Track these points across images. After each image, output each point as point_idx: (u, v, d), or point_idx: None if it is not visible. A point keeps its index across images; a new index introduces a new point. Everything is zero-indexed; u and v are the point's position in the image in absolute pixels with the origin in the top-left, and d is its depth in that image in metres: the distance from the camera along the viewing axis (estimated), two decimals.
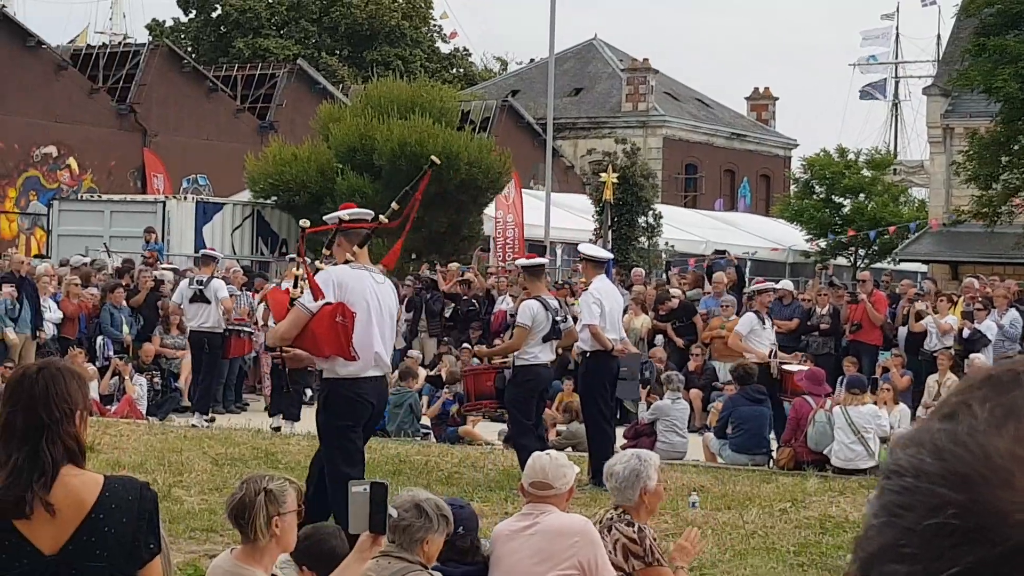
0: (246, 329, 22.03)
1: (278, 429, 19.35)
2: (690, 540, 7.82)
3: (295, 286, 10.33)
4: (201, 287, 20.53)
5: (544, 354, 14.56)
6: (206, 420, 20.24)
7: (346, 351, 9.69)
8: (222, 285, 20.90)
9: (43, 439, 4.48)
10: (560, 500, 7.59)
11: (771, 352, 18.73)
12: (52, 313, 23.12)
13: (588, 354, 15.14)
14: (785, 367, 18.12)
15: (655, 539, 7.76)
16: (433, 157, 12.02)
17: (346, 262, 10.06)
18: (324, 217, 10.77)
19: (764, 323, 19.10)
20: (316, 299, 9.71)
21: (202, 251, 23.84)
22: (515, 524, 7.63)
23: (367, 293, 9.88)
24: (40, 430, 4.48)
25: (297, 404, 19.98)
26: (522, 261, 15.95)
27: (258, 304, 22.53)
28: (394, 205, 11.09)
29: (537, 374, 14.61)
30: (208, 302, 20.47)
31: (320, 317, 9.65)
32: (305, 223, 10.98)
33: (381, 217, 10.66)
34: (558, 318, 14.47)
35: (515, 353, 14.67)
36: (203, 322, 20.61)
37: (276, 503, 5.95)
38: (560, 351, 16.42)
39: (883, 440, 16.28)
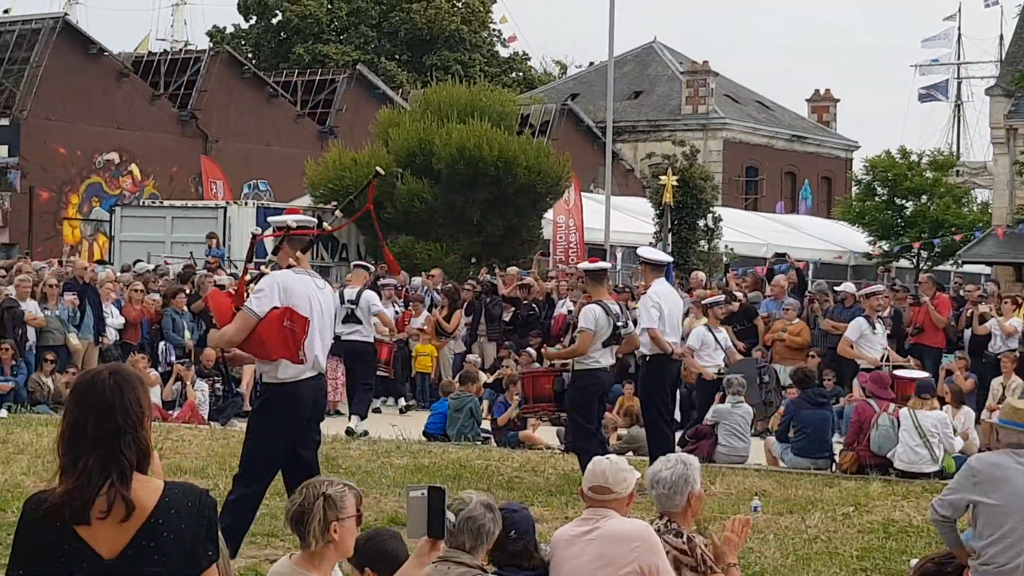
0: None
1: (355, 432, 19.37)
2: (736, 531, 7.71)
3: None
4: (353, 306, 20.17)
5: (604, 358, 14.59)
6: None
7: (295, 355, 9.82)
8: (375, 296, 20.58)
9: (119, 443, 4.48)
10: (620, 505, 7.52)
11: (883, 357, 18.56)
12: (114, 319, 23.25)
13: (648, 358, 15.09)
14: (898, 372, 17.91)
15: (705, 544, 7.68)
16: (377, 168, 12.21)
17: (289, 266, 10.18)
18: (270, 219, 10.91)
19: (875, 328, 18.92)
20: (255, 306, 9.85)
21: (355, 262, 23.80)
22: (575, 529, 7.57)
23: (310, 297, 10.03)
24: (114, 434, 4.48)
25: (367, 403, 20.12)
26: (584, 265, 15.94)
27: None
28: (338, 213, 11.62)
29: (597, 378, 14.64)
30: (357, 316, 20.23)
31: (268, 322, 9.77)
32: (256, 230, 11.35)
33: (325, 225, 10.97)
34: (619, 323, 14.51)
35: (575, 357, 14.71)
36: (351, 333, 20.21)
37: (335, 508, 5.93)
38: (620, 356, 16.36)
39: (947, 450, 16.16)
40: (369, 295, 20.33)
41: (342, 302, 20.34)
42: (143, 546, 4.47)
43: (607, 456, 7.95)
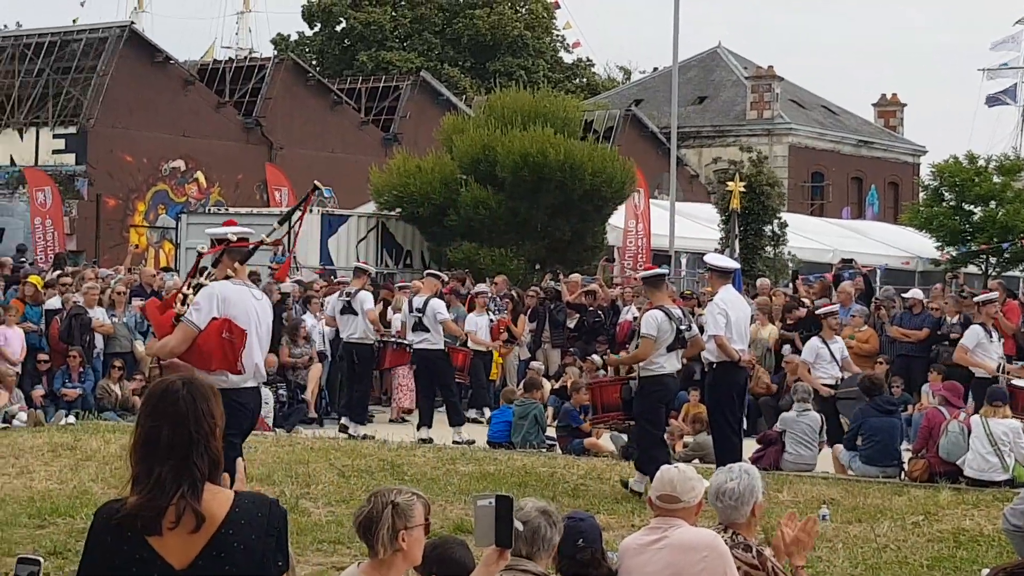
0: (402, 341, 21.86)
1: (427, 440, 19.36)
2: (807, 530, 7.60)
3: (183, 303, 10.52)
4: (349, 299, 20.65)
5: (670, 364, 14.61)
6: (362, 431, 20.20)
7: (234, 366, 10.02)
8: (368, 297, 20.92)
9: (191, 453, 4.49)
10: (689, 514, 7.45)
11: (999, 367, 18.36)
12: None
13: (715, 365, 15.02)
14: (1015, 382, 17.70)
15: (772, 556, 7.59)
16: (316, 182, 12.65)
17: (227, 278, 10.36)
18: (207, 232, 11.11)
19: (991, 336, 18.69)
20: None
21: (355, 264, 24.16)
22: (643, 538, 7.51)
23: (248, 308, 10.21)
24: (187, 445, 4.49)
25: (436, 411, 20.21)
26: (642, 273, 16.00)
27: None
28: (275, 224, 11.91)
29: (663, 384, 14.68)
30: (356, 314, 20.56)
31: (207, 333, 9.97)
32: (202, 248, 11.43)
33: (264, 237, 11.29)
34: (682, 327, 14.51)
35: (640, 364, 14.69)
36: (351, 333, 20.68)
37: (403, 517, 5.91)
38: (685, 361, 16.29)
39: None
40: (436, 304, 20.43)
41: (410, 310, 20.43)
42: (213, 556, 4.49)
43: (676, 465, 7.87)
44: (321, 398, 23.78)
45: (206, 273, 10.69)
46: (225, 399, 9.68)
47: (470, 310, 24.82)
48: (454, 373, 21.44)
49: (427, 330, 20.10)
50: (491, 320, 24.43)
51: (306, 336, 23.63)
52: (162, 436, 4.50)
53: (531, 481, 15.48)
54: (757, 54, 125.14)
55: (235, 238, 10.45)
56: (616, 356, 18.07)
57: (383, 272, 32.63)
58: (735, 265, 17.14)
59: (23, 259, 30.15)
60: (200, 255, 11.20)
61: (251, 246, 10.61)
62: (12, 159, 42.72)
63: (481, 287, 25.34)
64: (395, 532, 5.87)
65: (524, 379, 21.93)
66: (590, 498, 14.48)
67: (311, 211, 34.61)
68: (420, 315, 20.12)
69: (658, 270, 15.77)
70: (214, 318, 9.98)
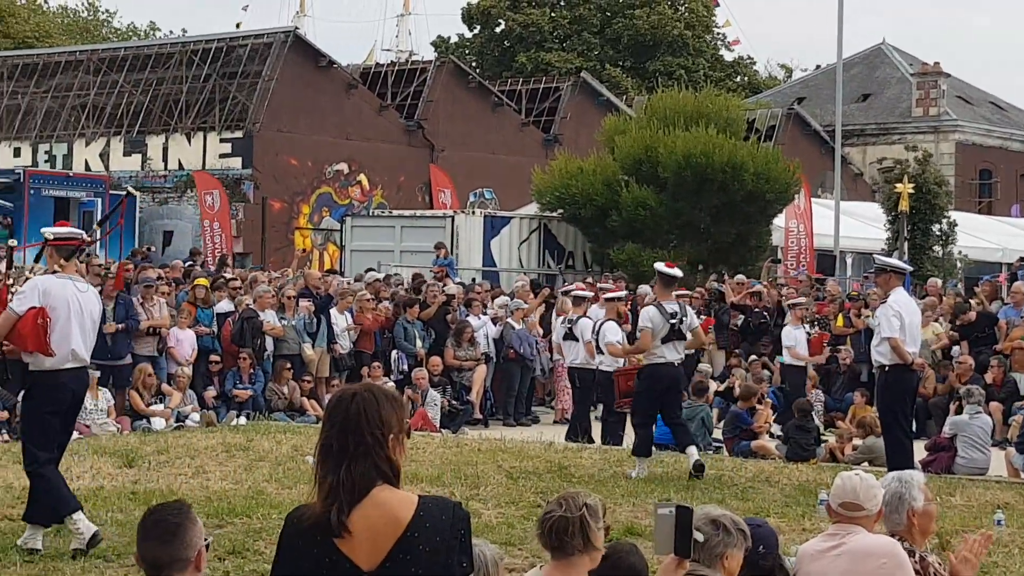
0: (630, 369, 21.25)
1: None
2: (973, 550, 7.47)
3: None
4: (571, 326, 20.64)
5: (669, 353, 16.08)
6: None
7: (45, 349, 11.29)
8: (587, 325, 20.43)
9: (367, 459, 4.60)
10: (869, 522, 7.38)
11: None
12: (347, 328, 23.60)
13: (887, 367, 14.86)
14: None
15: (939, 563, 7.47)
16: (128, 187, 14.45)
17: (53, 272, 11.72)
18: (43, 231, 12.49)
19: None
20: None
21: (575, 291, 23.00)
22: (821, 544, 7.45)
23: (68, 298, 11.45)
24: (362, 450, 4.60)
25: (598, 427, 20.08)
26: (659, 266, 16.82)
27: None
28: (96, 226, 13.48)
29: (660, 371, 16.12)
30: (577, 340, 20.36)
31: (25, 319, 11.26)
32: (13, 242, 13.61)
33: (85, 236, 12.71)
34: (673, 320, 15.92)
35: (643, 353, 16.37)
36: (573, 359, 20.56)
37: (595, 518, 5.97)
38: (688, 351, 17.81)
39: None
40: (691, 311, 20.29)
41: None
42: (400, 559, 4.57)
43: (858, 472, 7.80)
44: (486, 399, 23.91)
45: (33, 268, 12.03)
46: (42, 379, 11.40)
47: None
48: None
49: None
50: (808, 333, 23.82)
51: (471, 338, 23.77)
52: (334, 443, 4.62)
53: (698, 484, 15.42)
54: (922, 50, 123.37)
55: (53, 237, 11.83)
56: (623, 347, 18.73)
57: (546, 273, 32.71)
58: (908, 267, 16.94)
59: (193, 262, 30.70)
60: (12, 249, 12.76)
61: (74, 245, 11.88)
62: (180, 163, 43.52)
63: (799, 300, 24.91)
64: (588, 534, 5.92)
65: (692, 383, 21.79)
66: (759, 501, 14.38)
67: (473, 213, 34.84)
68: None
69: (675, 271, 16.67)
70: (32, 306, 11.26)
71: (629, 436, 19.24)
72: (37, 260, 12.82)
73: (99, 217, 37.80)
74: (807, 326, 23.83)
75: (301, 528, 4.65)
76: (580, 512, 5.95)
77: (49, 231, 12.15)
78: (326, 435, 4.65)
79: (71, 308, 11.44)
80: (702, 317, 24.28)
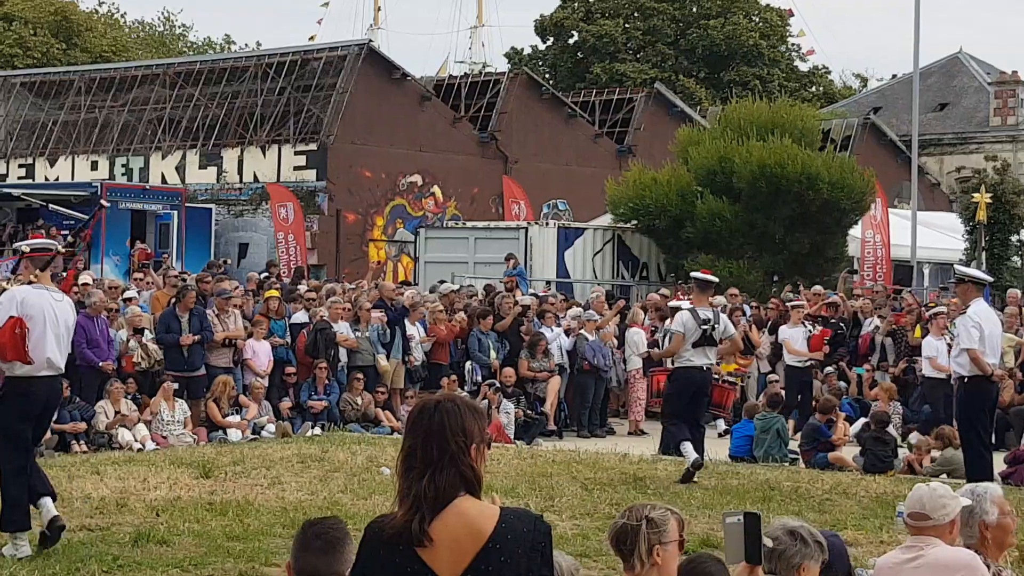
0: (728, 378, 20.84)
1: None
2: None
3: None
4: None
5: (698, 358, 16.56)
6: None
7: (24, 357, 11.58)
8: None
9: (448, 469, 4.59)
10: (942, 532, 7.31)
11: None
12: (421, 339, 23.63)
13: (966, 379, 14.72)
14: None
15: None
16: (103, 200, 15.36)
17: (29, 283, 12.05)
18: (15, 245, 13.16)
19: None
20: None
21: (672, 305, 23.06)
22: (899, 556, 7.39)
23: (44, 308, 11.75)
24: (443, 461, 4.59)
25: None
26: (695, 274, 17.46)
27: None
28: (70, 239, 13.92)
29: (690, 375, 16.64)
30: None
31: (3, 330, 11.54)
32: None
33: (59, 248, 13.19)
34: (705, 327, 16.42)
35: (673, 357, 16.98)
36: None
37: (658, 532, 5.92)
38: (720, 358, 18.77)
39: None
40: (725, 319, 20.05)
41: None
42: (481, 570, 4.58)
43: (928, 483, 7.73)
44: (560, 411, 23.87)
45: (11, 279, 12.50)
46: (13, 386, 11.63)
47: None
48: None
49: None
50: (809, 331, 23.65)
51: (545, 350, 23.74)
52: (417, 453, 4.63)
53: (775, 496, 15.33)
54: (1000, 59, 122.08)
55: (28, 250, 12.23)
56: (657, 350, 19.29)
57: (620, 284, 32.64)
58: (989, 278, 16.79)
59: (269, 274, 30.88)
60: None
61: (49, 256, 12.28)
62: (255, 176, 43.77)
63: (800, 302, 24.72)
64: (650, 547, 5.88)
65: (767, 394, 21.67)
66: (836, 513, 14.28)
67: (547, 224, 34.82)
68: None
69: (710, 278, 17.39)
70: (11, 316, 11.59)
71: (712, 442, 19.16)
72: (14, 272, 13.27)
73: (175, 230, 38.16)
74: (808, 324, 23.68)
75: (382, 538, 4.66)
76: (639, 524, 5.91)
77: (25, 244, 12.62)
78: (410, 445, 4.67)
79: (47, 317, 11.76)
80: (818, 328, 24.12)
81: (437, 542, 4.57)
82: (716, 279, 17.84)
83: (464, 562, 4.57)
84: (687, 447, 16.44)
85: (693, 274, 17.47)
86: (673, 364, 17.14)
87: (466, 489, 4.63)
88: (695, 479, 16.14)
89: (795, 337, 22.70)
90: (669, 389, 17.15)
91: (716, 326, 16.59)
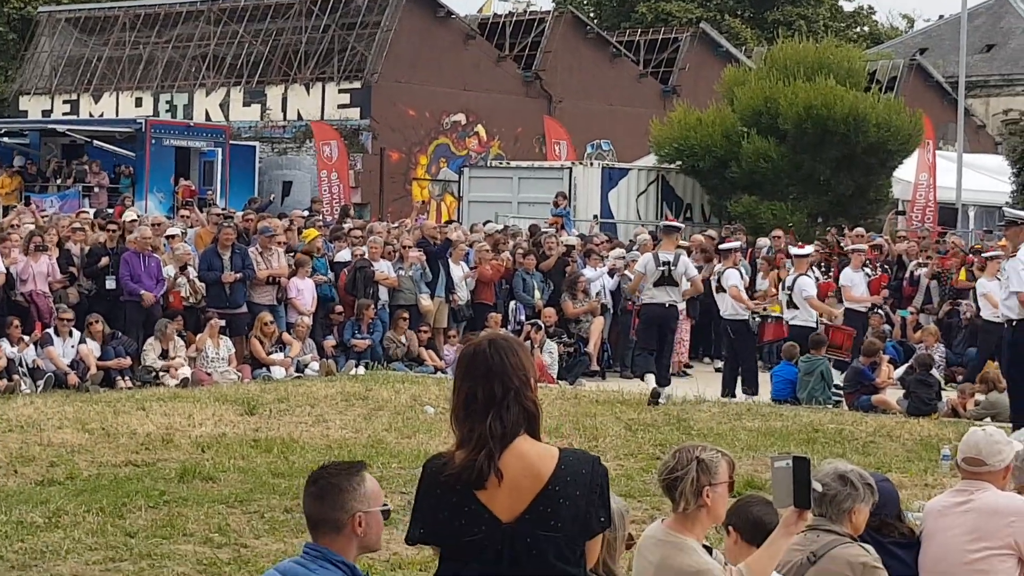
0: (773, 314, 20.54)
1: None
2: None
3: None
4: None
5: (660, 296, 18.26)
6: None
7: None
8: (732, 274, 20.29)
9: (507, 409, 4.57)
10: (996, 478, 7.28)
11: None
12: (465, 278, 23.61)
13: (1015, 323, 14.59)
14: None
15: None
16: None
17: None
18: None
19: None
20: None
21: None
22: (948, 500, 7.38)
23: None
24: (501, 400, 4.58)
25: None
26: (662, 223, 20.41)
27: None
28: None
29: (652, 310, 18.45)
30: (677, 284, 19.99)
31: None
32: None
33: None
34: (663, 268, 18.09)
35: (637, 293, 19.15)
36: (725, 309, 20.20)
37: (708, 473, 5.90)
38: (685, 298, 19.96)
39: None
40: (803, 282, 20.00)
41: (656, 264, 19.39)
42: (540, 511, 4.57)
43: (983, 427, 7.69)
44: (604, 351, 23.83)
45: None
46: None
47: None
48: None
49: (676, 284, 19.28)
50: (868, 275, 23.26)
51: (584, 289, 23.65)
52: (479, 395, 4.60)
53: (819, 438, 15.32)
54: None
55: None
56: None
57: (665, 224, 32.51)
58: None
59: (312, 212, 30.90)
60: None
61: None
62: (299, 114, 43.74)
63: (859, 246, 24.29)
64: (699, 488, 5.87)
65: (811, 336, 21.53)
66: (880, 456, 14.25)
67: (591, 164, 34.71)
68: (789, 292, 19.99)
69: (676, 223, 20.53)
70: None
71: (765, 386, 19.21)
72: None
73: (219, 168, 38.27)
74: (868, 268, 23.30)
75: (440, 478, 4.65)
76: (690, 464, 5.89)
77: None
78: (468, 387, 4.63)
79: None
80: (877, 272, 23.83)
81: (495, 483, 4.56)
82: (682, 225, 20.33)
83: (523, 503, 4.57)
84: (650, 377, 18.31)
85: (662, 224, 19.37)
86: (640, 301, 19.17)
87: (528, 426, 4.62)
88: (660, 401, 17.61)
89: (856, 282, 22.28)
90: (639, 327, 19.74)
91: (674, 268, 18.16)
